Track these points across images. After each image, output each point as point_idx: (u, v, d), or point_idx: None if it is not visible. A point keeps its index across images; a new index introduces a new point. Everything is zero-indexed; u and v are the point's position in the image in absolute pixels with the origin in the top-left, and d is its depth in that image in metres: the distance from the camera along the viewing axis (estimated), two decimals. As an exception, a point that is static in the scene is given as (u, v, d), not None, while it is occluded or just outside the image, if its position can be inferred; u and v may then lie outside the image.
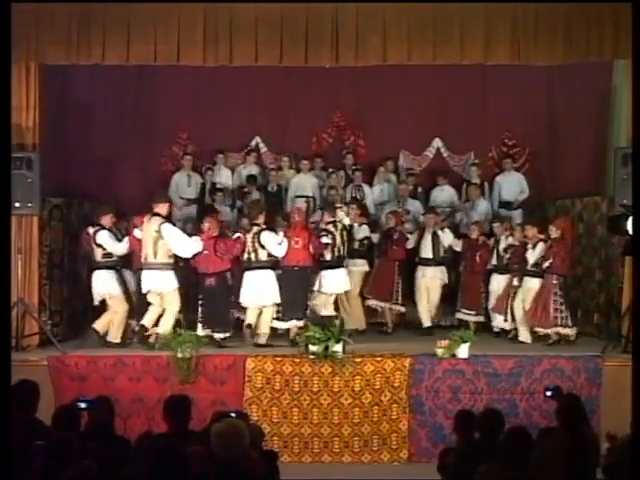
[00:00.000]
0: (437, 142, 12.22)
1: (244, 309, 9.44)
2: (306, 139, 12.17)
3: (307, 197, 11.49)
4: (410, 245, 10.50)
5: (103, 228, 9.43)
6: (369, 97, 11.83)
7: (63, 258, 10.09)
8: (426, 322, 10.42)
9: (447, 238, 10.39)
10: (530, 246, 9.57)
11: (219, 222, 9.66)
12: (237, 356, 8.61)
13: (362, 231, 10.54)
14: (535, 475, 4.81)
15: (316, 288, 9.63)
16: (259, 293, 9.26)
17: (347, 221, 9.95)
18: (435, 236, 10.36)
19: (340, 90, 11.84)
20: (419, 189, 11.79)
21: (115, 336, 9.35)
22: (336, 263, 9.71)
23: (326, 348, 8.42)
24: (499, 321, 10.01)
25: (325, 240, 9.54)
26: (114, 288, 9.40)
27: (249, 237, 9.32)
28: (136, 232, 9.30)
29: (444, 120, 11.99)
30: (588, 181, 11.21)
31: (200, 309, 9.30)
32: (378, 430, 8.39)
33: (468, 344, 8.53)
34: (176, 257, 9.25)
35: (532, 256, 9.51)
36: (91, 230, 9.49)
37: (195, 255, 9.26)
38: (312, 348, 8.50)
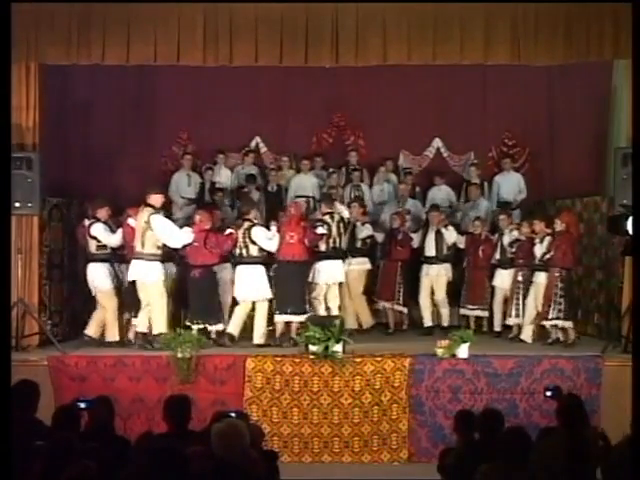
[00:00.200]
0: (437, 142, 12.23)
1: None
2: (306, 139, 12.17)
3: (307, 197, 11.49)
4: (415, 244, 10.52)
5: (98, 221, 9.45)
6: (369, 97, 11.84)
7: (63, 258, 10.11)
8: (427, 322, 10.44)
9: (451, 236, 10.41)
10: (538, 240, 9.59)
11: (213, 217, 9.69)
12: (237, 356, 8.61)
13: (365, 230, 10.56)
14: (535, 475, 4.81)
15: (310, 279, 9.62)
16: (250, 288, 9.32)
17: (346, 214, 9.97)
18: (439, 234, 10.39)
19: (340, 90, 11.83)
20: (417, 189, 11.81)
21: (113, 334, 9.36)
22: (332, 254, 9.70)
23: (326, 348, 8.42)
24: (506, 317, 10.04)
25: (320, 230, 9.54)
26: (104, 283, 9.40)
27: (240, 232, 9.36)
28: (130, 221, 9.30)
29: (444, 120, 11.99)
30: (588, 181, 11.22)
31: (190, 304, 9.45)
32: (378, 430, 8.38)
33: (468, 344, 8.53)
34: (170, 250, 9.29)
35: (540, 250, 9.53)
36: (87, 222, 9.52)
37: (185, 246, 9.32)
38: (312, 348, 8.50)
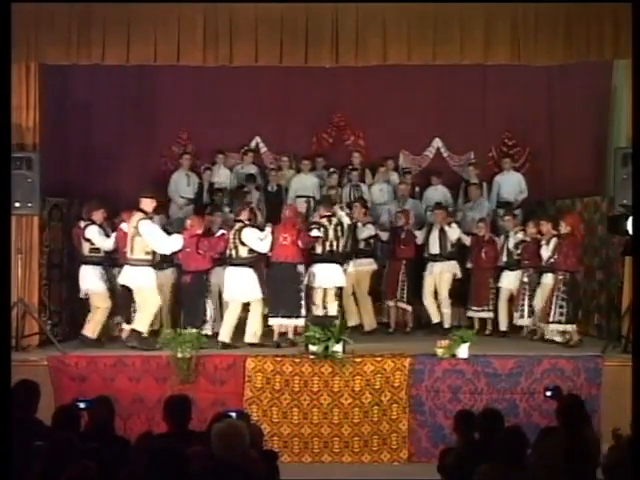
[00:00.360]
0: (437, 142, 12.22)
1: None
2: (306, 139, 12.17)
3: (308, 197, 11.49)
4: (419, 241, 10.53)
5: (94, 223, 9.45)
6: (369, 97, 11.81)
7: (63, 258, 10.10)
8: (435, 318, 10.45)
9: (454, 233, 10.40)
10: (544, 242, 9.59)
11: (205, 221, 9.70)
12: (237, 356, 8.61)
13: (367, 230, 10.55)
14: (535, 475, 4.81)
15: (306, 282, 9.57)
16: (239, 289, 9.29)
17: (346, 220, 9.91)
18: (442, 232, 10.39)
19: (340, 90, 11.82)
20: (416, 188, 11.81)
21: (93, 330, 9.32)
22: (328, 257, 9.62)
23: (326, 348, 8.42)
24: (514, 318, 10.06)
25: (315, 233, 9.49)
26: (96, 285, 9.38)
27: (231, 234, 9.33)
28: (123, 225, 9.30)
29: (444, 120, 11.98)
30: (588, 181, 11.22)
31: (182, 309, 9.52)
32: (378, 430, 8.38)
33: (468, 344, 8.53)
34: (165, 255, 9.31)
35: (546, 253, 9.52)
36: (82, 224, 9.52)
37: (177, 252, 9.33)
38: (312, 348, 8.50)
